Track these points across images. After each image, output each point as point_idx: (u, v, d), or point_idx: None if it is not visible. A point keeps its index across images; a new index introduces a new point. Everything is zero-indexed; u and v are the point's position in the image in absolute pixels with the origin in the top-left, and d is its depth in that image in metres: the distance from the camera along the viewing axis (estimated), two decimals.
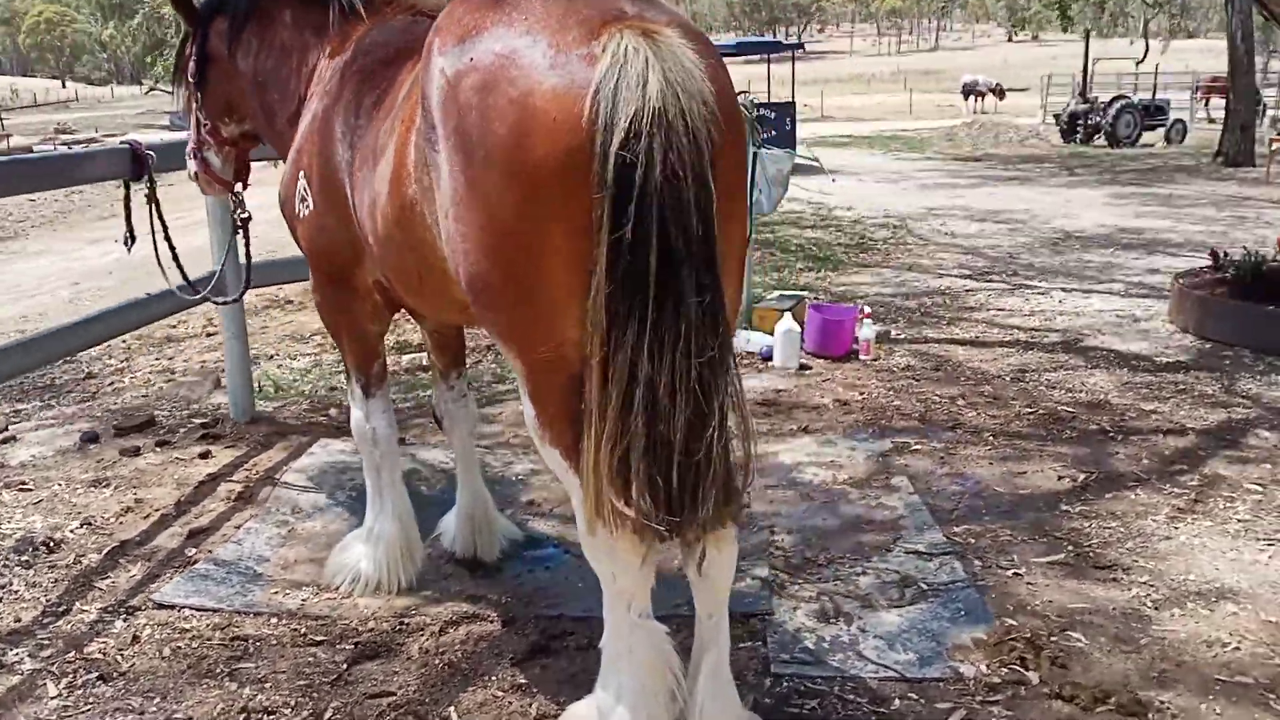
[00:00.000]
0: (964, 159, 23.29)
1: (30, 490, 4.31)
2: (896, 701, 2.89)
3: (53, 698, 2.93)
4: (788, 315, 6.41)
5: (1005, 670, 3.01)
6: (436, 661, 3.11)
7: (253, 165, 4.03)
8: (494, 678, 3.01)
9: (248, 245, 4.09)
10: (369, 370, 3.43)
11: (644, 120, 2.02)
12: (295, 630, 3.31)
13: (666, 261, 2.07)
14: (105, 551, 3.79)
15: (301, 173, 3.22)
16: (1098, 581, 3.56)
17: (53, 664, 3.09)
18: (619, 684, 2.49)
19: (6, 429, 5.06)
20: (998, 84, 42.80)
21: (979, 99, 41.87)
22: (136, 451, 4.64)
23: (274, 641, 3.24)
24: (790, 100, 20.92)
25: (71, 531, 3.93)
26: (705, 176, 2.09)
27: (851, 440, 4.99)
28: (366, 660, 3.13)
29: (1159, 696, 2.87)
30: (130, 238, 4.08)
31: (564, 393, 2.27)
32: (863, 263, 10.01)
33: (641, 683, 2.47)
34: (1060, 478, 4.48)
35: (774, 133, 17.92)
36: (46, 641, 3.22)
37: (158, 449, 4.76)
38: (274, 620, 3.37)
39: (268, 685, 2.99)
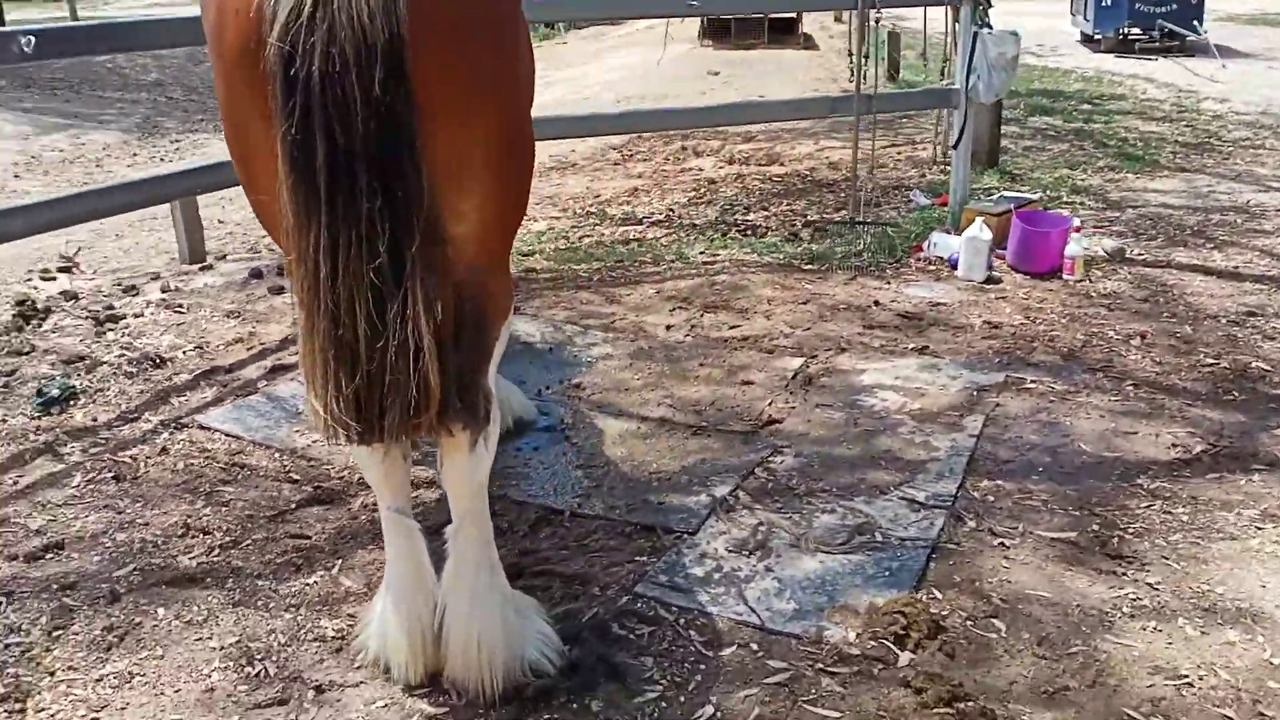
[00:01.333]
0: None
1: (182, 313, 5.06)
2: (732, 648, 2.71)
3: (71, 487, 3.54)
4: (978, 220, 5.76)
5: (873, 644, 2.71)
6: (365, 519, 3.35)
7: None
8: None
9: None
10: None
11: (304, 11, 1.96)
12: (283, 466, 3.69)
13: (333, 160, 2.01)
14: (197, 373, 4.39)
15: None
16: (1092, 572, 3.04)
17: (91, 460, 3.71)
18: (387, 576, 2.59)
19: (207, 258, 5.91)
20: None
21: None
22: (280, 291, 5.25)
23: (261, 473, 3.65)
24: None
25: (183, 353, 4.59)
26: (374, 73, 1.96)
27: (960, 368, 4.50)
28: (314, 505, 3.45)
29: (1024, 716, 2.46)
30: None
31: None
32: (1184, 166, 8.61)
33: (400, 576, 2.56)
34: (1172, 446, 3.78)
35: (1174, 5, 15.44)
36: (101, 442, 3.85)
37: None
38: (277, 454, 3.78)
39: (224, 509, 3.41)
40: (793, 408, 4.14)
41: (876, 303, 5.33)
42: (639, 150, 10.78)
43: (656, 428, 3.98)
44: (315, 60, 1.94)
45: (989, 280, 5.65)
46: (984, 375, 4.43)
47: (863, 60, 6.41)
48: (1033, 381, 4.34)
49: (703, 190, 8.35)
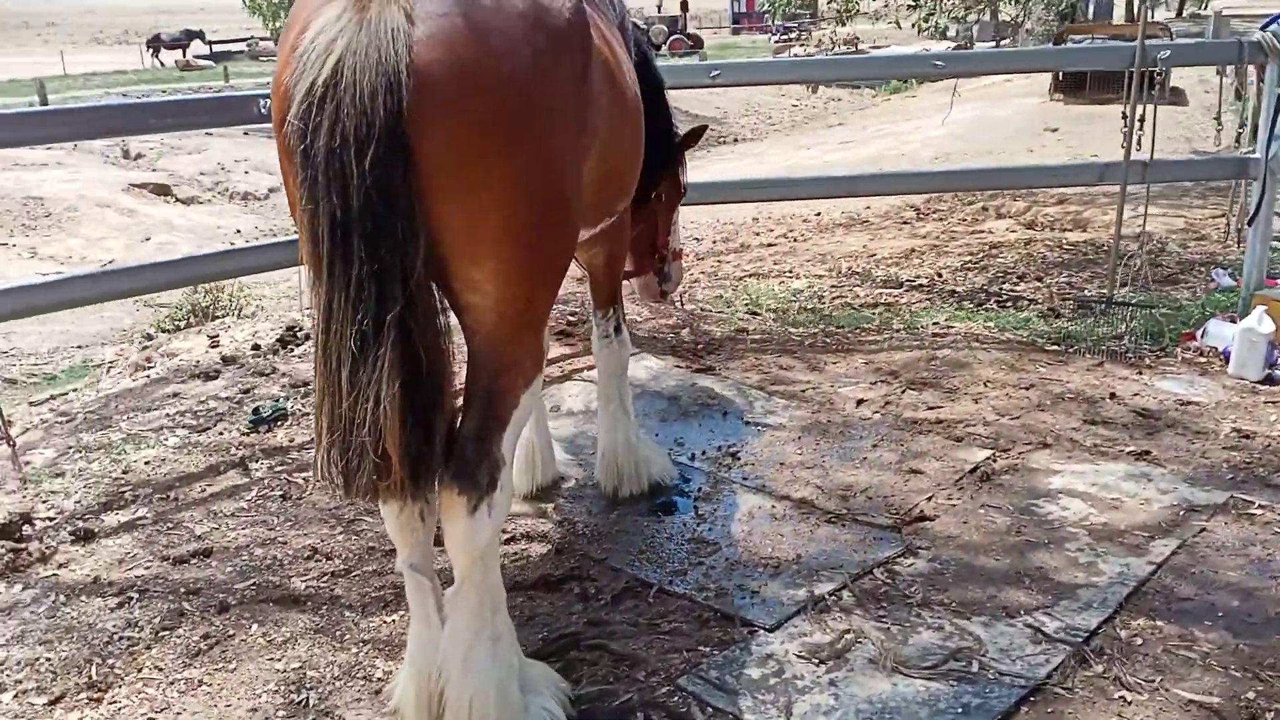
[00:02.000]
0: None
1: None
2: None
3: (245, 500, 3.93)
4: (1259, 310, 4.94)
5: None
6: None
7: None
8: None
9: None
10: None
11: (316, 90, 2.08)
12: None
13: (332, 228, 2.12)
14: None
15: None
16: None
17: (271, 477, 4.10)
18: (409, 631, 2.64)
19: None
20: None
21: None
22: None
23: None
24: None
25: None
26: (373, 148, 2.07)
27: (1177, 481, 3.87)
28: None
29: None
30: None
31: None
32: None
33: (414, 634, 2.60)
34: None
35: None
36: (287, 462, 4.25)
37: None
38: None
39: (355, 538, 3.63)
40: (953, 505, 3.75)
41: (1113, 395, 4.71)
42: (938, 209, 10.34)
43: (792, 509, 3.75)
44: (322, 136, 2.08)
45: (1267, 380, 4.83)
46: (1203, 492, 3.78)
47: (1138, 122, 5.71)
48: (1260, 507, 3.65)
49: (980, 255, 7.83)
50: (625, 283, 4.28)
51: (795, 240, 9.55)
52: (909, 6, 15.61)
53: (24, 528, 3.67)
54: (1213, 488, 3.82)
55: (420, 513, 2.51)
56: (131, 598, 3.28)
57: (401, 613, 3.18)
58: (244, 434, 4.47)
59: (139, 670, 2.93)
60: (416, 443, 2.24)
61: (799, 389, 4.90)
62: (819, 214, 10.62)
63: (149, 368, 5.57)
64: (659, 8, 44.18)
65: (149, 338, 6.35)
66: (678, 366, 5.17)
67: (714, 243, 9.81)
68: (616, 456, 3.84)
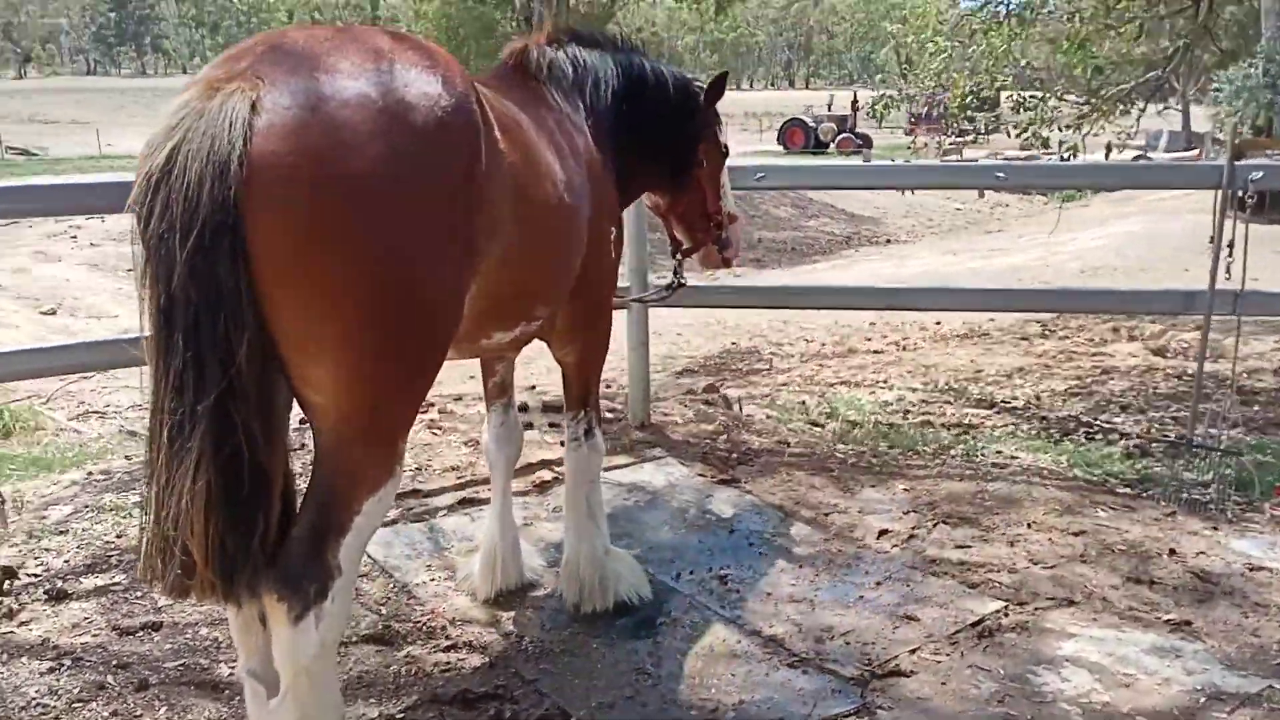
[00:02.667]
0: None
1: (438, 433, 5.44)
2: None
3: None
4: None
5: None
6: (408, 668, 3.31)
7: None
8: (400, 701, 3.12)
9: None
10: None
11: (152, 176, 2.07)
12: (383, 596, 3.78)
13: (156, 315, 2.10)
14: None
15: None
16: None
17: None
18: None
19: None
20: None
21: None
22: (529, 426, 5.44)
23: (362, 597, 3.76)
24: None
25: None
26: (200, 237, 2.03)
27: (1211, 661, 3.38)
28: (370, 643, 3.47)
29: None
30: None
31: None
32: None
33: None
34: None
35: None
36: None
37: (550, 428, 5.51)
38: (389, 583, 3.88)
39: None
40: (938, 662, 3.37)
41: (1173, 551, 4.20)
42: (1066, 326, 9.77)
43: (758, 647, 3.46)
44: (153, 222, 2.06)
45: None
46: (1237, 677, 3.28)
47: (1225, 247, 5.19)
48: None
49: (1089, 380, 7.30)
50: (689, 258, 4.21)
51: (904, 349, 9.20)
52: (1013, 108, 15.12)
53: (4, 583, 3.77)
54: (1251, 673, 3.31)
55: (261, 615, 2.40)
56: (64, 665, 3.29)
57: None
58: None
59: None
60: (233, 542, 2.15)
61: (823, 512, 4.59)
62: (939, 323, 10.22)
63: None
64: (829, 105, 44.22)
65: None
66: (700, 476, 4.94)
67: (822, 345, 9.56)
68: (579, 569, 3.65)
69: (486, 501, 4.45)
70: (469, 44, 24.27)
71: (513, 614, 3.69)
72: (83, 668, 3.28)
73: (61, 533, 4.26)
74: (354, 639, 3.49)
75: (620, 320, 4.83)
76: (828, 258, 21.49)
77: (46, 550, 4.10)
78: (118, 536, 4.22)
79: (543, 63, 3.39)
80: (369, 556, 4.06)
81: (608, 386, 6.29)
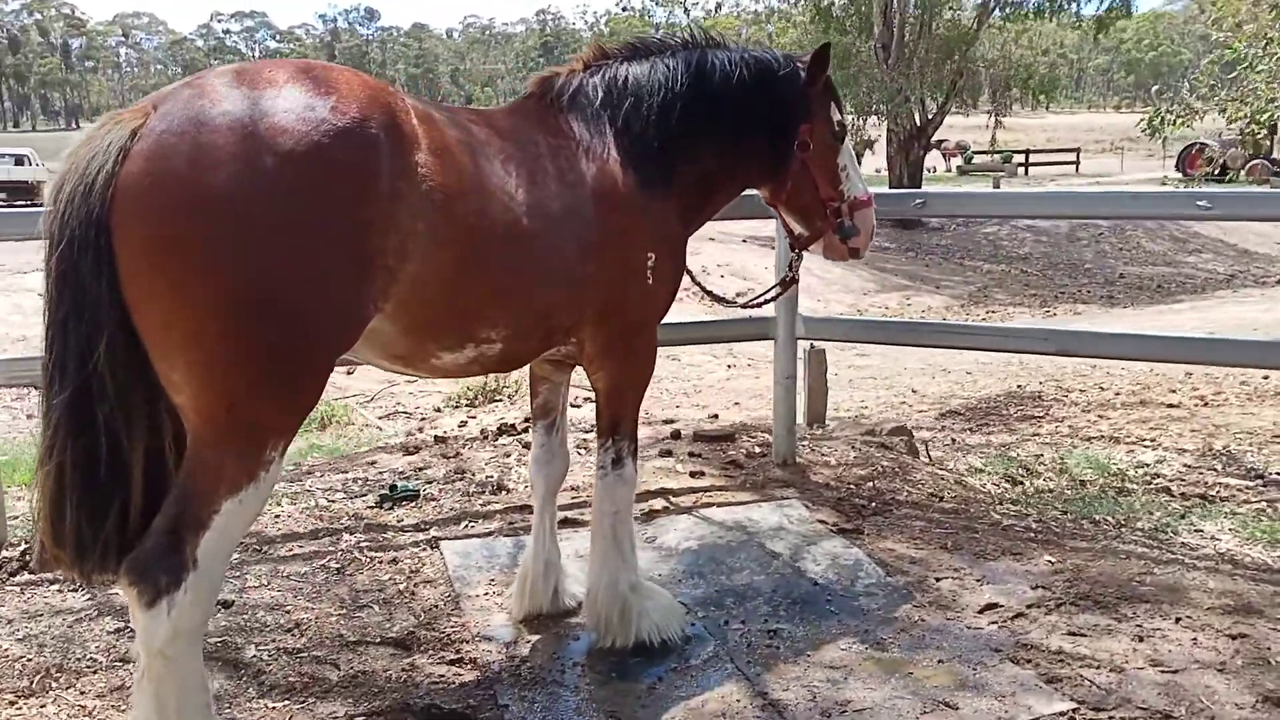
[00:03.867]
0: None
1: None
2: None
3: (315, 565, 4.24)
4: None
5: None
6: (413, 677, 3.40)
7: None
8: None
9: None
10: None
11: (52, 198, 2.36)
12: (433, 605, 3.89)
13: (43, 314, 2.38)
14: (515, 506, 4.79)
15: None
16: None
17: (345, 550, 4.37)
18: None
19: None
20: None
21: None
22: (670, 454, 5.32)
23: (410, 595, 3.90)
24: None
25: (525, 487, 5.01)
26: (69, 247, 2.31)
27: None
28: (388, 644, 3.59)
29: None
30: None
31: None
32: None
33: None
34: None
35: None
36: (371, 540, 4.50)
37: (689, 457, 5.35)
38: (450, 591, 3.98)
39: (351, 620, 3.76)
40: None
41: None
42: None
43: (753, 711, 3.16)
44: (46, 232, 2.37)
45: None
46: None
47: None
48: None
49: None
50: (806, 250, 3.88)
51: (1206, 405, 8.05)
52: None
53: None
54: None
55: None
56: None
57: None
58: (370, 506, 4.83)
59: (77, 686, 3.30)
60: (84, 524, 2.36)
61: (935, 577, 4.10)
62: (1266, 378, 8.80)
63: (411, 437, 6.23)
64: (1240, 131, 39.15)
65: (437, 410, 7.07)
66: (820, 522, 4.60)
67: (1115, 394, 8.58)
68: (598, 601, 3.54)
69: (588, 523, 4.46)
70: None
71: (535, 638, 3.65)
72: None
73: None
74: (378, 639, 3.62)
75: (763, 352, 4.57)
76: (1195, 298, 19.09)
77: None
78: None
79: (566, 89, 3.34)
80: (449, 563, 4.21)
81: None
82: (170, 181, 2.27)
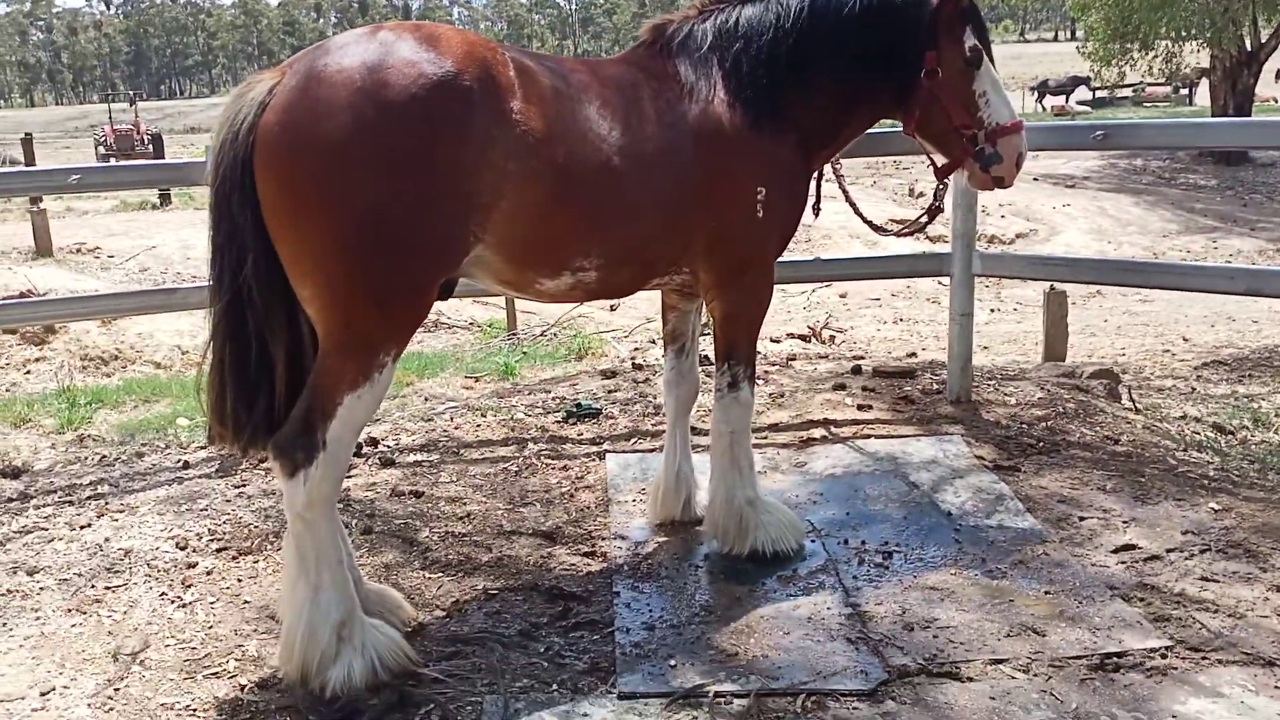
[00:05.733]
0: None
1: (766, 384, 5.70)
2: None
3: (487, 463, 4.81)
4: None
5: None
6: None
7: None
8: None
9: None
10: None
11: (212, 143, 2.95)
12: (588, 505, 4.34)
13: (209, 236, 2.97)
14: None
15: None
16: None
17: (526, 456, 4.90)
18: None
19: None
20: None
21: None
22: (844, 387, 5.44)
23: (560, 488, 4.36)
24: None
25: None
26: (222, 185, 2.88)
27: None
28: (537, 536, 4.07)
29: None
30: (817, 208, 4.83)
31: None
32: None
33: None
34: None
35: None
36: (549, 448, 5.00)
37: (862, 391, 5.43)
38: (598, 491, 4.42)
39: (514, 515, 4.29)
40: (1011, 678, 2.99)
41: None
42: None
43: (840, 618, 3.35)
44: (208, 175, 2.95)
45: None
46: None
47: None
48: None
49: None
50: (948, 178, 3.93)
51: None
52: None
53: (363, 448, 5.05)
54: None
55: None
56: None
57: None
58: (557, 421, 5.34)
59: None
60: (238, 407, 2.95)
61: (1079, 516, 4.04)
62: None
63: (622, 363, 6.74)
64: None
65: (652, 341, 7.50)
66: (978, 458, 4.59)
67: None
68: (715, 511, 3.83)
69: (764, 447, 4.76)
70: (1138, 15, 22.05)
71: (664, 539, 3.99)
72: (345, 511, 4.35)
73: (428, 419, 5.49)
74: (530, 531, 4.11)
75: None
76: None
77: (407, 430, 5.35)
78: (456, 427, 5.32)
79: (677, 35, 3.56)
80: (609, 472, 4.63)
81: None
82: (295, 130, 2.78)
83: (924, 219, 4.12)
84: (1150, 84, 41.36)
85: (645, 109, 3.34)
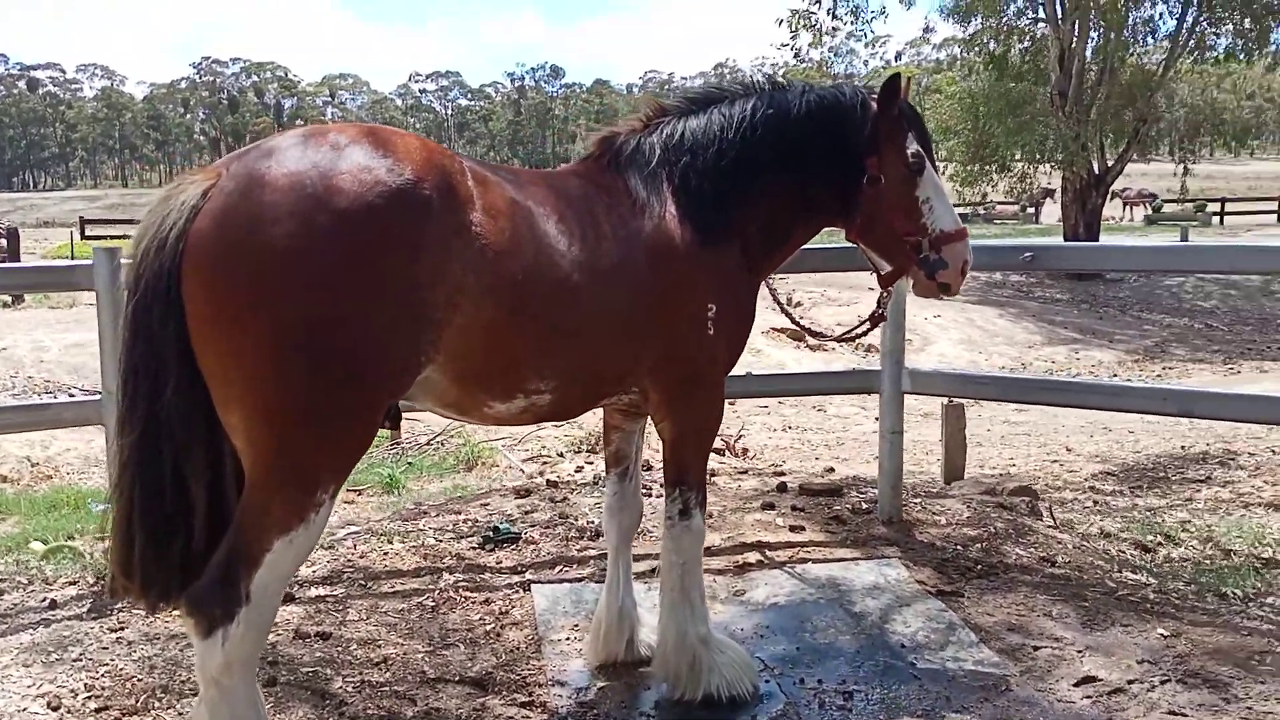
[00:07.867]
0: None
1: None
2: None
3: (410, 600, 4.41)
4: None
5: None
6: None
7: None
8: None
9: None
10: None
11: (131, 255, 2.61)
12: (514, 644, 3.98)
13: (123, 362, 2.60)
14: None
15: None
16: None
17: (442, 587, 4.52)
18: None
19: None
20: None
21: None
22: (772, 507, 5.26)
23: (491, 631, 4.00)
24: None
25: None
26: (144, 296, 2.53)
27: None
28: (462, 684, 3.69)
29: None
30: None
31: None
32: None
33: None
34: None
35: None
36: (466, 579, 4.63)
37: (792, 510, 5.27)
38: (527, 630, 4.07)
39: (433, 658, 3.90)
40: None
41: None
42: None
43: None
44: (128, 282, 2.60)
45: None
46: None
47: None
48: None
49: None
50: (890, 286, 3.76)
51: None
52: None
53: None
54: None
55: None
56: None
57: None
58: (473, 547, 4.98)
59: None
60: (150, 556, 2.56)
61: (1032, 646, 3.90)
62: None
63: (531, 479, 6.41)
64: None
65: (560, 454, 7.22)
66: (919, 583, 4.45)
67: None
68: (666, 652, 3.55)
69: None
70: (990, 122, 23.52)
71: (608, 685, 3.67)
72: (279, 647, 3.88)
73: (328, 546, 5.06)
74: (457, 678, 3.73)
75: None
76: None
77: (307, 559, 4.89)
78: (361, 556, 4.91)
79: (624, 149, 3.43)
80: (537, 606, 4.29)
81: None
82: (234, 236, 2.47)
83: (867, 326, 4.00)
84: (1000, 203, 43.84)
85: (601, 224, 3.16)
